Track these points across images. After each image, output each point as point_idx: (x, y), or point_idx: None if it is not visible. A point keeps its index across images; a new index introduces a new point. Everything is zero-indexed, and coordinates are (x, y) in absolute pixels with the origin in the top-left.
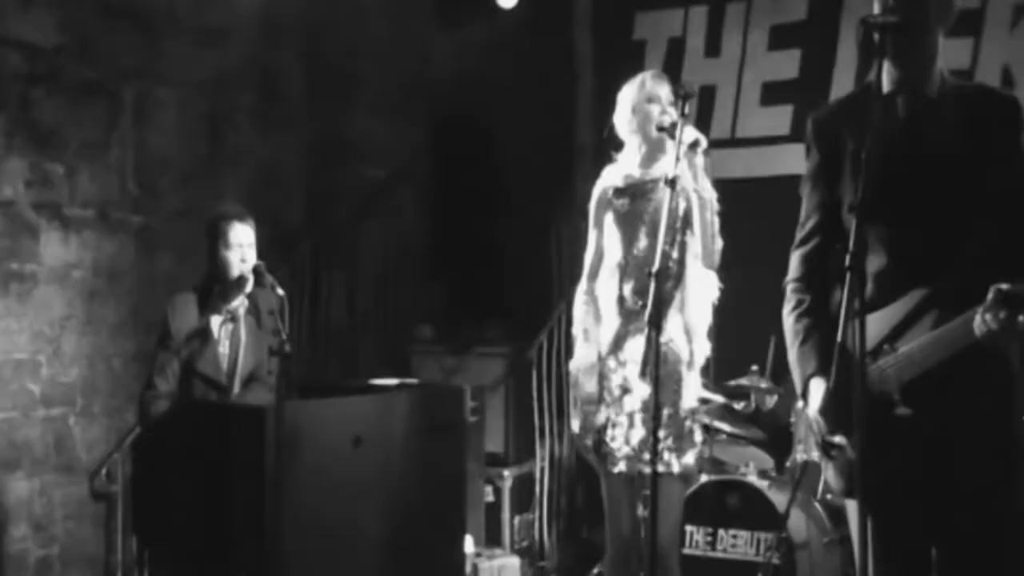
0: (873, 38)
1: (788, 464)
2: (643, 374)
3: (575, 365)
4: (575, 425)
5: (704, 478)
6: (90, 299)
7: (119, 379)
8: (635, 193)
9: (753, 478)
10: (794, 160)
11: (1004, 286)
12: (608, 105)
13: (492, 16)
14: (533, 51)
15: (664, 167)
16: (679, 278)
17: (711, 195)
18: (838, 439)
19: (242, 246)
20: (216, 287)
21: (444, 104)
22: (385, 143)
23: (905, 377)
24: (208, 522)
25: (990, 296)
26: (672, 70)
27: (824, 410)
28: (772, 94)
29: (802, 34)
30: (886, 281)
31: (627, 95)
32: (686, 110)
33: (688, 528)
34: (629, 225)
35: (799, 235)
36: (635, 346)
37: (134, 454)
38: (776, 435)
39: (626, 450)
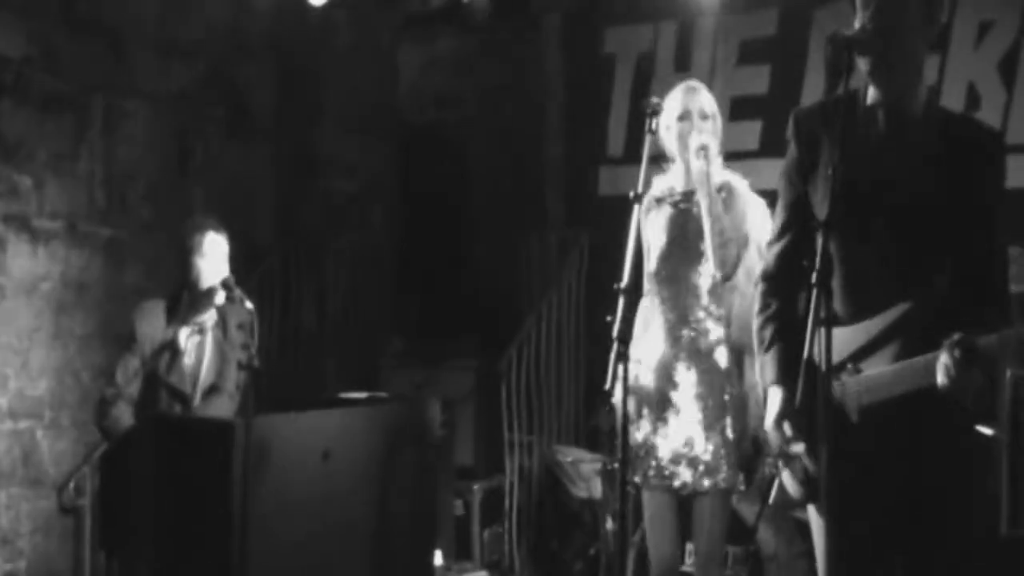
0: (842, 55)
1: (757, 478)
2: (611, 391)
3: None
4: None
5: None
6: (58, 312)
7: (88, 392)
8: (670, 205)
9: None
10: (764, 175)
11: (958, 337)
12: (577, 119)
13: (461, 30)
14: (502, 65)
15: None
16: (718, 292)
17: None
18: (795, 448)
19: (216, 257)
20: (185, 297)
21: (414, 118)
22: (354, 156)
23: (864, 401)
24: (175, 537)
25: (946, 351)
26: (641, 85)
27: (780, 420)
28: (741, 109)
29: (771, 49)
30: (851, 298)
31: (664, 111)
32: (653, 127)
33: None
34: (665, 236)
35: (773, 230)
36: (683, 367)
37: (101, 468)
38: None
39: (663, 467)
